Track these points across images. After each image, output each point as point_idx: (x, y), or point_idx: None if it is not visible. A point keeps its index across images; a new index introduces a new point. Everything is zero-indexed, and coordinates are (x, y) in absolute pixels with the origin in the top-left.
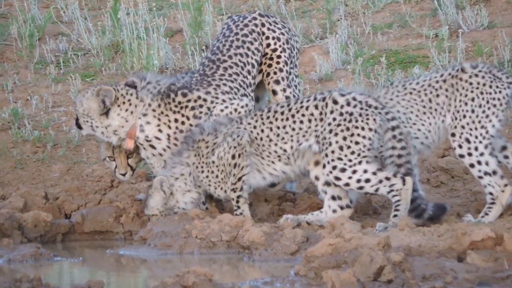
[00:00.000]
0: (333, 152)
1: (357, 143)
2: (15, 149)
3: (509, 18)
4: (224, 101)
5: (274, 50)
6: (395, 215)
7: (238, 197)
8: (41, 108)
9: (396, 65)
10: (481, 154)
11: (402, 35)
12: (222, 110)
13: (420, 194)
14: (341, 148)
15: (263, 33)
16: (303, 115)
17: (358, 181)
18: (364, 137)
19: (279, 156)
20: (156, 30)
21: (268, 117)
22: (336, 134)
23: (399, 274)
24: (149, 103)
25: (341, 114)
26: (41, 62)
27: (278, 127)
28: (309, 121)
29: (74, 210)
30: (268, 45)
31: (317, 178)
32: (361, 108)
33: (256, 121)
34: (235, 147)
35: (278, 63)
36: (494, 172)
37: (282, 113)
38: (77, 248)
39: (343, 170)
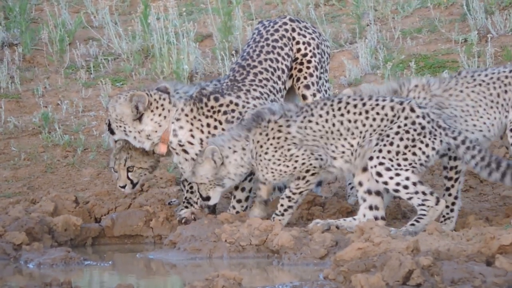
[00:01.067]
0: (389, 152)
1: (414, 154)
2: (45, 153)
3: None
4: (255, 106)
5: (305, 55)
6: (413, 224)
7: (289, 207)
8: (72, 112)
9: (425, 69)
10: None
11: (432, 40)
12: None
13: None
14: (397, 152)
15: (294, 38)
16: (377, 113)
17: (397, 184)
18: (424, 153)
19: (343, 152)
20: (186, 35)
21: (339, 108)
22: (401, 139)
23: (428, 278)
24: (181, 108)
25: (414, 123)
26: (72, 67)
27: (350, 121)
28: (381, 120)
29: (104, 214)
30: (299, 50)
31: (360, 184)
32: (433, 127)
33: (327, 113)
34: (315, 167)
35: (308, 68)
36: None
37: (355, 106)
38: (107, 252)
39: (388, 169)
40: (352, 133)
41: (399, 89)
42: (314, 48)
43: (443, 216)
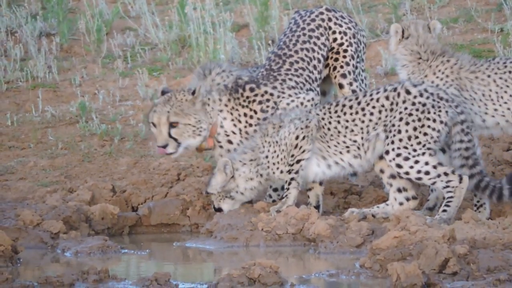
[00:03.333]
0: (400, 140)
1: (425, 134)
2: (82, 142)
3: None
4: (290, 95)
5: (341, 44)
6: (444, 210)
7: (292, 179)
8: (109, 102)
9: None
10: None
11: (468, 29)
12: (288, 104)
13: (490, 178)
14: (409, 138)
15: (330, 28)
16: (373, 107)
17: (418, 172)
18: (434, 129)
19: (347, 147)
20: (223, 24)
21: (336, 111)
22: (407, 123)
23: (464, 267)
24: (219, 99)
25: (414, 104)
26: (109, 56)
27: (347, 120)
28: (379, 112)
29: (141, 203)
30: (335, 39)
31: (382, 171)
32: (434, 100)
33: (324, 113)
34: (301, 129)
35: (344, 57)
36: None
37: (351, 107)
38: (144, 241)
39: (406, 158)
40: (352, 130)
41: (436, 55)
42: (350, 38)
43: (475, 205)
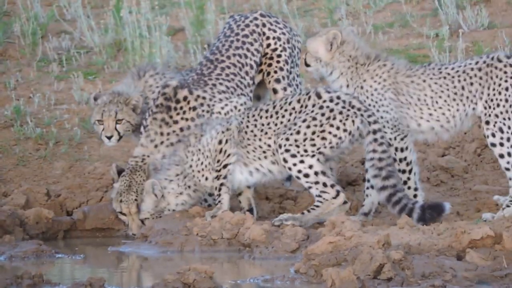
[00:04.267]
0: (296, 140)
1: (323, 138)
2: (17, 146)
3: (509, 19)
4: (221, 100)
5: (274, 49)
6: (303, 213)
7: (221, 184)
8: (44, 105)
9: None
10: None
11: (403, 34)
12: (222, 108)
13: (404, 194)
14: (305, 139)
15: (264, 33)
16: (285, 110)
17: (299, 171)
18: (335, 135)
19: (264, 152)
20: (159, 28)
21: (253, 115)
22: (308, 127)
23: (398, 272)
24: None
25: (321, 107)
26: (44, 60)
27: (263, 124)
28: (290, 114)
29: (76, 207)
30: (269, 45)
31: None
32: (343, 107)
33: (243, 118)
34: (222, 132)
35: (278, 62)
36: None
37: (267, 111)
38: (78, 245)
39: (293, 156)
40: (266, 133)
41: (372, 58)
42: (284, 43)
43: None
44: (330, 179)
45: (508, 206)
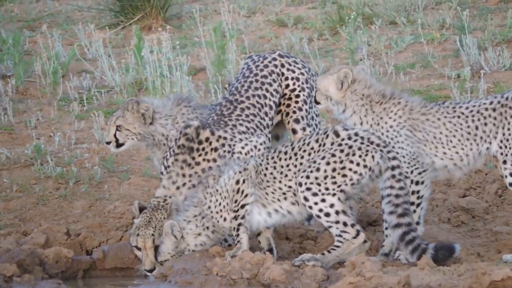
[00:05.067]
0: (316, 178)
1: (344, 175)
2: (37, 185)
3: None
4: (241, 140)
5: (293, 90)
6: (323, 254)
7: (239, 225)
8: (64, 144)
9: None
10: None
11: (425, 75)
12: (243, 148)
13: (417, 235)
14: (325, 177)
15: (283, 74)
16: (304, 150)
17: (320, 210)
18: (355, 172)
19: (284, 194)
20: (180, 68)
21: (272, 157)
22: (327, 163)
23: None
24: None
25: (340, 145)
26: (65, 99)
27: (282, 166)
28: (309, 154)
29: (96, 247)
30: (287, 85)
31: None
32: (362, 143)
33: (262, 160)
34: (240, 172)
35: (297, 102)
36: None
37: (286, 153)
38: (98, 285)
39: (315, 194)
40: (286, 175)
41: (388, 96)
42: (303, 83)
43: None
44: (351, 218)
45: None
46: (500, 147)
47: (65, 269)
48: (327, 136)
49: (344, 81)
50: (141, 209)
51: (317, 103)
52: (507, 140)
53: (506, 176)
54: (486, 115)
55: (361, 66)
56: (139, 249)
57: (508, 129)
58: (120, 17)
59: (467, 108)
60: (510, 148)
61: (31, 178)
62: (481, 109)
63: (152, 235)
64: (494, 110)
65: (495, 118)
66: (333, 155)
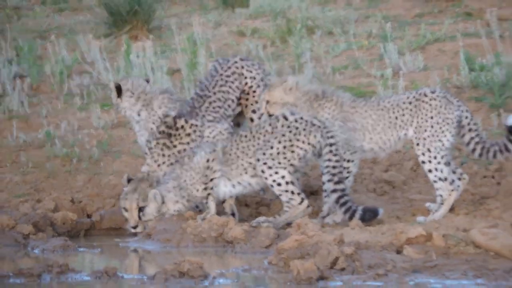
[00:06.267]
0: (271, 154)
1: (292, 151)
2: (48, 163)
3: (440, 63)
4: (209, 127)
5: (251, 87)
6: (275, 217)
7: (209, 194)
8: (69, 130)
9: None
10: (438, 163)
11: (355, 75)
12: (210, 133)
13: (350, 198)
14: (278, 153)
15: (242, 74)
16: (260, 133)
17: (273, 181)
18: (301, 148)
19: (245, 169)
20: (160, 69)
21: (235, 140)
22: (279, 142)
23: (350, 264)
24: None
25: (289, 127)
26: (69, 94)
27: (243, 147)
28: (264, 136)
29: (94, 211)
30: (246, 83)
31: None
32: (306, 125)
33: (227, 143)
34: (210, 153)
35: (253, 96)
36: (446, 179)
37: (246, 136)
38: (96, 241)
39: (269, 167)
40: (247, 154)
41: (320, 95)
42: (258, 81)
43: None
44: (297, 188)
45: (436, 211)
46: (415, 133)
47: (70, 229)
48: (278, 120)
49: (291, 87)
50: (129, 181)
51: (271, 115)
52: (420, 127)
53: (419, 155)
54: (404, 107)
55: (293, 76)
56: (126, 210)
57: (422, 118)
58: (113, 29)
59: (389, 102)
60: (422, 133)
61: (43, 157)
62: (400, 103)
63: (137, 199)
64: (410, 103)
65: (411, 110)
66: (283, 135)
